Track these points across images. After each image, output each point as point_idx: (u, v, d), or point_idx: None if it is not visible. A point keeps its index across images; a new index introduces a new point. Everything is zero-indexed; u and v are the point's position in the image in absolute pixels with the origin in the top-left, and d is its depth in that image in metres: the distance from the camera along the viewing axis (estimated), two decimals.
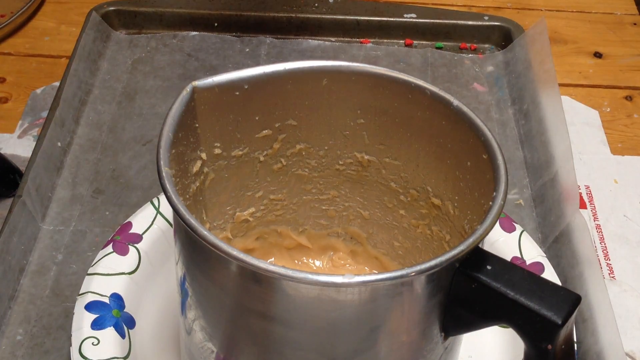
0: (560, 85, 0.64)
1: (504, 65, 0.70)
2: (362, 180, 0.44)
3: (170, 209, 0.33)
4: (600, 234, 0.57)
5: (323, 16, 0.72)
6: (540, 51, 0.66)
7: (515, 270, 0.33)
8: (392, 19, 0.72)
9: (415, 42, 0.72)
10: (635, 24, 0.77)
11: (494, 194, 0.34)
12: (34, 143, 0.59)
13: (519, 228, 0.51)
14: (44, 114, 0.63)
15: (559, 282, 0.48)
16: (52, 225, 0.55)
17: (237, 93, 0.38)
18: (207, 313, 0.37)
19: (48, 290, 0.51)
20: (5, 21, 0.71)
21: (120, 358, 0.43)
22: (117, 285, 0.47)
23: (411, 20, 0.72)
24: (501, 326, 0.41)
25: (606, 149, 0.63)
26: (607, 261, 0.55)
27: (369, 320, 0.34)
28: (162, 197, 0.50)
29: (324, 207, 0.46)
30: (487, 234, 0.33)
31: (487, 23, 0.72)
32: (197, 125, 0.38)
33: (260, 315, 0.34)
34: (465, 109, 0.37)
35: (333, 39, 0.72)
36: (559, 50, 0.73)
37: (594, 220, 0.58)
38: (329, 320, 0.33)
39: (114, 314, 0.45)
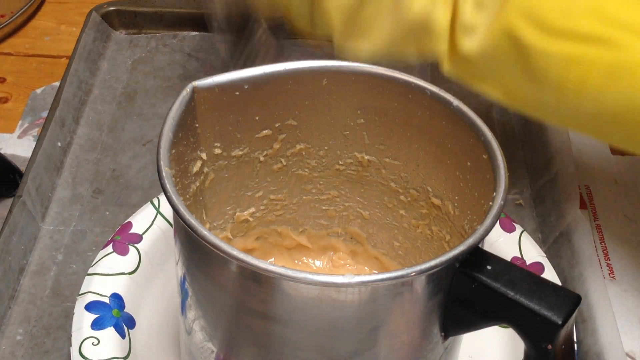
0: None
1: None
2: (362, 180, 0.44)
3: (170, 209, 0.33)
4: (600, 234, 0.57)
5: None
6: None
7: (515, 270, 0.33)
8: None
9: None
10: None
11: (494, 194, 0.34)
12: (34, 143, 0.59)
13: (519, 228, 0.51)
14: (44, 114, 0.63)
15: (559, 282, 0.48)
16: (52, 225, 0.55)
17: (237, 93, 0.38)
18: (207, 313, 0.37)
19: (48, 290, 0.51)
20: (5, 21, 0.71)
21: (120, 358, 0.43)
22: (117, 285, 0.47)
23: None
24: (501, 326, 0.41)
25: (606, 149, 0.63)
26: (607, 261, 0.55)
27: (369, 320, 0.34)
28: (162, 197, 0.50)
29: (324, 207, 0.46)
30: (487, 234, 0.33)
31: None
32: (197, 125, 0.38)
33: (260, 315, 0.34)
34: (465, 109, 0.37)
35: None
36: None
37: (594, 220, 0.58)
38: (329, 320, 0.34)
39: (114, 314, 0.45)
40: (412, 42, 0.48)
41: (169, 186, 0.33)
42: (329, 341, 0.34)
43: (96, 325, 0.44)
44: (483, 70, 0.47)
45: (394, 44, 0.49)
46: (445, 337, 0.36)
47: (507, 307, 0.33)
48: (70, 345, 0.44)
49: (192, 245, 0.35)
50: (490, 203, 0.34)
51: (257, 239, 0.46)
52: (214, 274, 0.34)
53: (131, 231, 0.49)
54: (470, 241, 0.32)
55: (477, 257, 0.33)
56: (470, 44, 0.46)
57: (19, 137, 0.62)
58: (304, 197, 0.45)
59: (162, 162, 0.34)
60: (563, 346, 0.33)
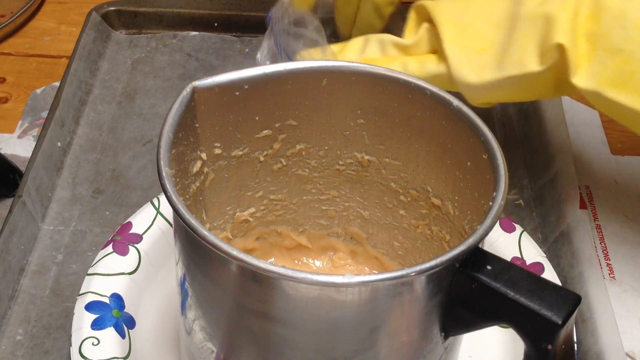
0: None
1: None
2: (362, 180, 0.44)
3: (170, 209, 0.33)
4: (600, 234, 0.57)
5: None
6: None
7: (515, 270, 0.33)
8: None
9: None
10: None
11: (494, 194, 0.34)
12: (34, 143, 0.59)
13: (519, 228, 0.51)
14: (44, 114, 0.63)
15: (559, 282, 0.48)
16: (52, 225, 0.55)
17: (237, 93, 0.38)
18: (207, 313, 0.37)
19: (48, 290, 0.51)
20: (5, 21, 0.71)
21: (120, 358, 0.43)
22: (117, 285, 0.47)
23: None
24: (501, 326, 0.40)
25: (606, 149, 0.63)
26: (607, 261, 0.55)
27: (369, 320, 0.34)
28: (162, 197, 0.50)
29: (324, 207, 0.46)
30: (487, 234, 0.33)
31: None
32: (197, 125, 0.38)
33: (260, 315, 0.34)
34: (465, 109, 0.37)
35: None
36: None
37: (594, 220, 0.58)
38: (329, 320, 0.34)
39: (114, 314, 0.45)
40: (531, 37, 0.42)
41: (169, 186, 0.33)
42: (329, 341, 0.34)
43: (96, 325, 0.44)
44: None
45: (508, 43, 0.44)
46: (445, 337, 0.36)
47: (507, 307, 0.33)
48: (70, 345, 0.44)
49: (192, 245, 0.35)
50: (490, 203, 0.34)
51: (257, 239, 0.46)
52: (214, 274, 0.34)
53: (131, 231, 0.49)
54: (470, 241, 0.32)
55: (477, 257, 0.33)
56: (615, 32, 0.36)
57: (19, 137, 0.62)
58: (304, 197, 0.45)
59: (162, 162, 0.34)
60: (563, 346, 0.33)
